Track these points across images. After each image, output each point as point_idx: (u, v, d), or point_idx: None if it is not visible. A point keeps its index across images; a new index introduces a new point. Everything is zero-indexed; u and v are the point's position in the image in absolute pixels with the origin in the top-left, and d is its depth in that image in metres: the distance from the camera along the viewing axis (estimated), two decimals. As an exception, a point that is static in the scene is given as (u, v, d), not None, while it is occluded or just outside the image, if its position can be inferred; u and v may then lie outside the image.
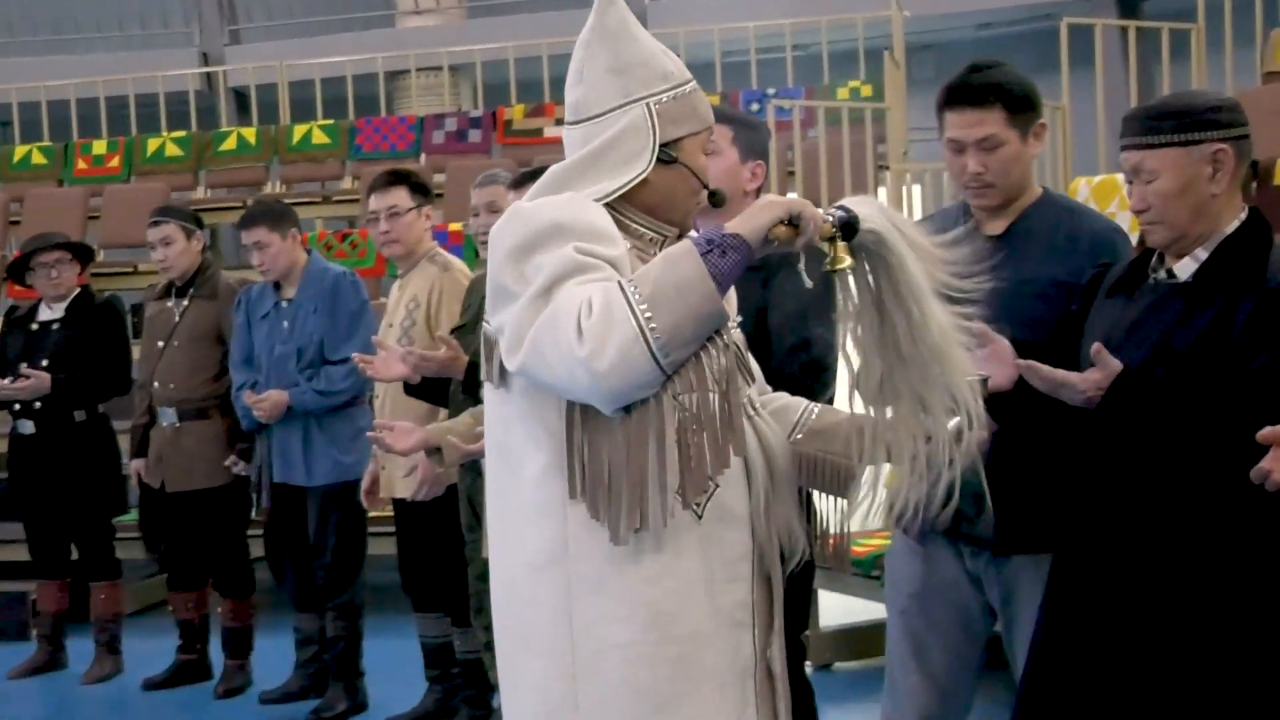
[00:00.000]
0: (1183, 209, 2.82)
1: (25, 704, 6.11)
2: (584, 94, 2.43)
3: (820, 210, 2.27)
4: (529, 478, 2.34)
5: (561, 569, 2.31)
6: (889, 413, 2.37)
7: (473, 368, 4.29)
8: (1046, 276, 3.13)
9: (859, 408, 2.44)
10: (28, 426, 6.21)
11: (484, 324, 2.43)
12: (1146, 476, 2.81)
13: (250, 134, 11.21)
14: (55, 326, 6.24)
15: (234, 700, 5.93)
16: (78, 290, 6.28)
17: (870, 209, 2.30)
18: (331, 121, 11.23)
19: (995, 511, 2.89)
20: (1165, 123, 2.82)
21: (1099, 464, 2.89)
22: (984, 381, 2.54)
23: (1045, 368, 2.80)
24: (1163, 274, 2.90)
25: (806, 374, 3.29)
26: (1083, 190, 7.35)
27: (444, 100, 12.31)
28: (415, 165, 10.25)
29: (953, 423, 2.41)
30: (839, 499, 2.54)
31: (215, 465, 5.85)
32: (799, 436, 2.52)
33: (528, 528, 2.35)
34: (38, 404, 6.13)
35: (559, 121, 10.79)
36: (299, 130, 11.11)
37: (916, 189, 9.42)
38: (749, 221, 2.23)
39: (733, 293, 2.48)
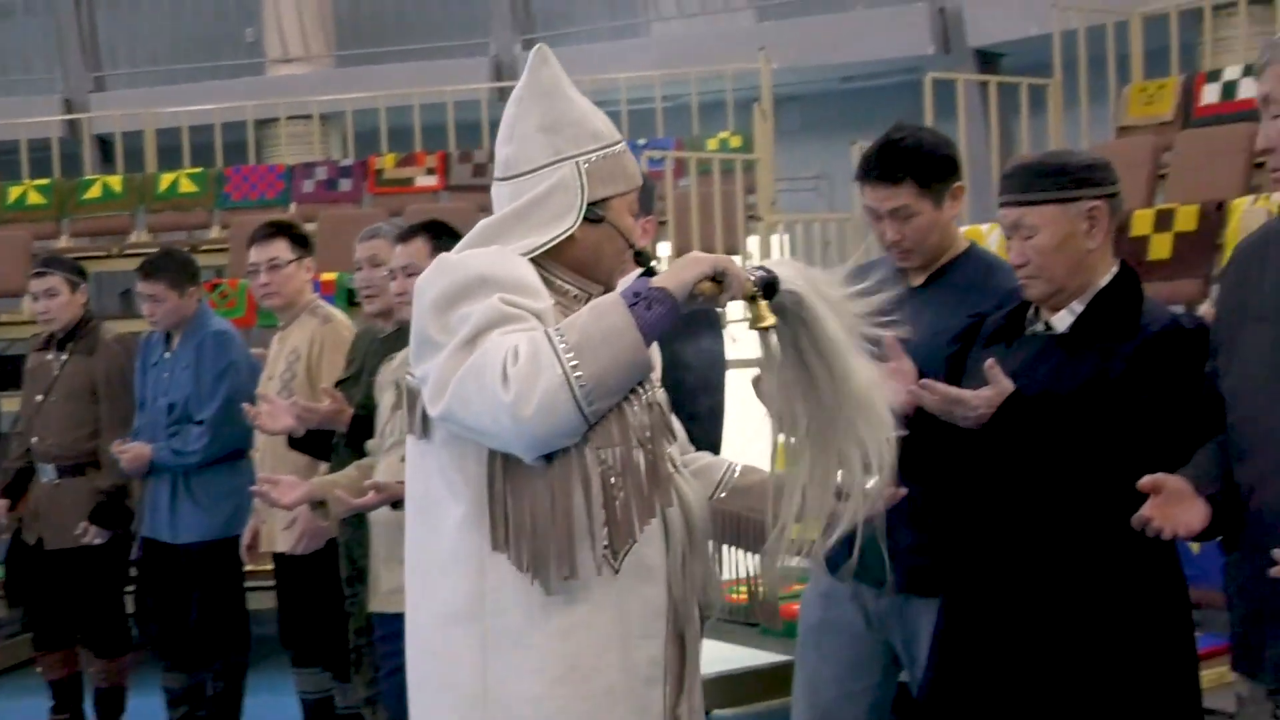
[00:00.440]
0: (1061, 263, 2.92)
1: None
2: (515, 151, 2.46)
3: (742, 270, 2.33)
4: (447, 530, 2.35)
5: (478, 622, 2.33)
6: (809, 466, 2.41)
7: (357, 420, 4.30)
8: (960, 326, 3.22)
9: (779, 462, 2.49)
10: None
11: (407, 376, 2.45)
12: (1031, 498, 2.89)
13: (115, 182, 11.08)
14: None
15: (106, 760, 5.83)
16: None
17: (790, 270, 2.36)
18: (199, 169, 11.13)
19: (891, 553, 2.97)
20: (1044, 180, 2.93)
21: (985, 489, 2.98)
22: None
23: (942, 385, 2.87)
24: (1040, 326, 3.00)
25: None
26: (948, 241, 7.53)
27: (314, 149, 12.22)
28: (285, 214, 10.20)
29: (871, 482, 2.48)
30: (762, 557, 2.58)
31: (100, 532, 5.74)
32: (723, 495, 2.57)
33: (444, 579, 2.36)
34: None
35: (430, 171, 10.85)
36: (166, 178, 11.00)
37: (786, 239, 9.57)
38: (675, 276, 2.28)
39: (657, 353, 2.53)
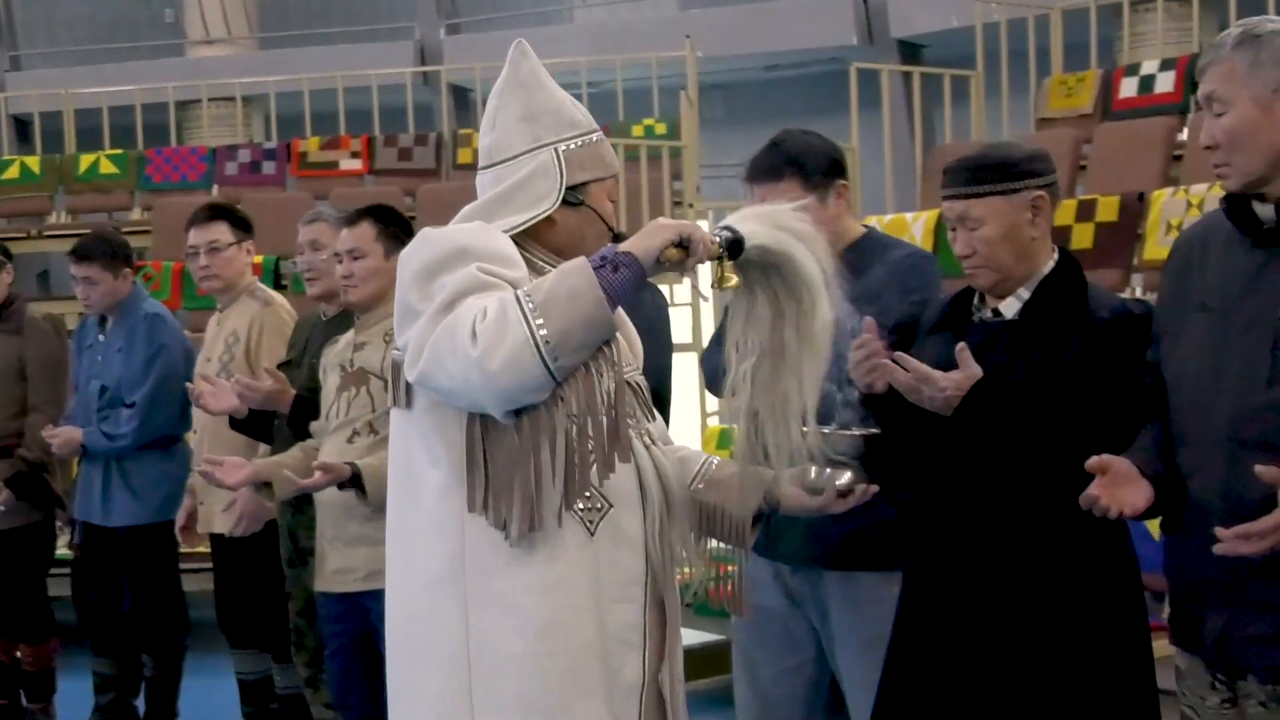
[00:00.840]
0: (1007, 253, 3.01)
1: None
2: (496, 139, 2.56)
3: (707, 232, 2.41)
4: (428, 496, 2.44)
5: (458, 584, 2.41)
6: (753, 399, 2.50)
7: (299, 402, 4.32)
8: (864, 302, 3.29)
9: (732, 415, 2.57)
10: None
11: (393, 350, 2.53)
12: (993, 482, 2.97)
13: (34, 163, 10.95)
14: None
15: (37, 744, 5.80)
16: None
17: (754, 223, 2.45)
18: (120, 151, 11.03)
19: (804, 528, 3.05)
20: (988, 173, 3.02)
21: (947, 473, 3.06)
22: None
23: (915, 361, 2.94)
24: (988, 313, 3.08)
25: None
26: (873, 229, 7.63)
27: (236, 131, 12.16)
28: (208, 196, 10.13)
29: (844, 478, 2.57)
30: (737, 547, 2.68)
31: (16, 505, 5.71)
32: (699, 486, 2.64)
33: (425, 545, 2.45)
34: None
35: (354, 154, 10.83)
36: (85, 159, 10.90)
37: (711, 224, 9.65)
38: (642, 242, 2.37)
39: (636, 336, 2.60)
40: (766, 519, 2.71)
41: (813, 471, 2.60)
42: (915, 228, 7.32)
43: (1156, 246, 6.48)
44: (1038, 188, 3.02)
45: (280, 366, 4.54)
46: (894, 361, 2.95)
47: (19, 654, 5.87)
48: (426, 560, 2.45)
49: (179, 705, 5.60)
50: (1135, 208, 6.70)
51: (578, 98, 2.69)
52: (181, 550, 5.67)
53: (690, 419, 7.14)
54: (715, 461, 2.71)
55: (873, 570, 3.43)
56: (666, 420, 3.37)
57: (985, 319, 3.08)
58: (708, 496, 2.65)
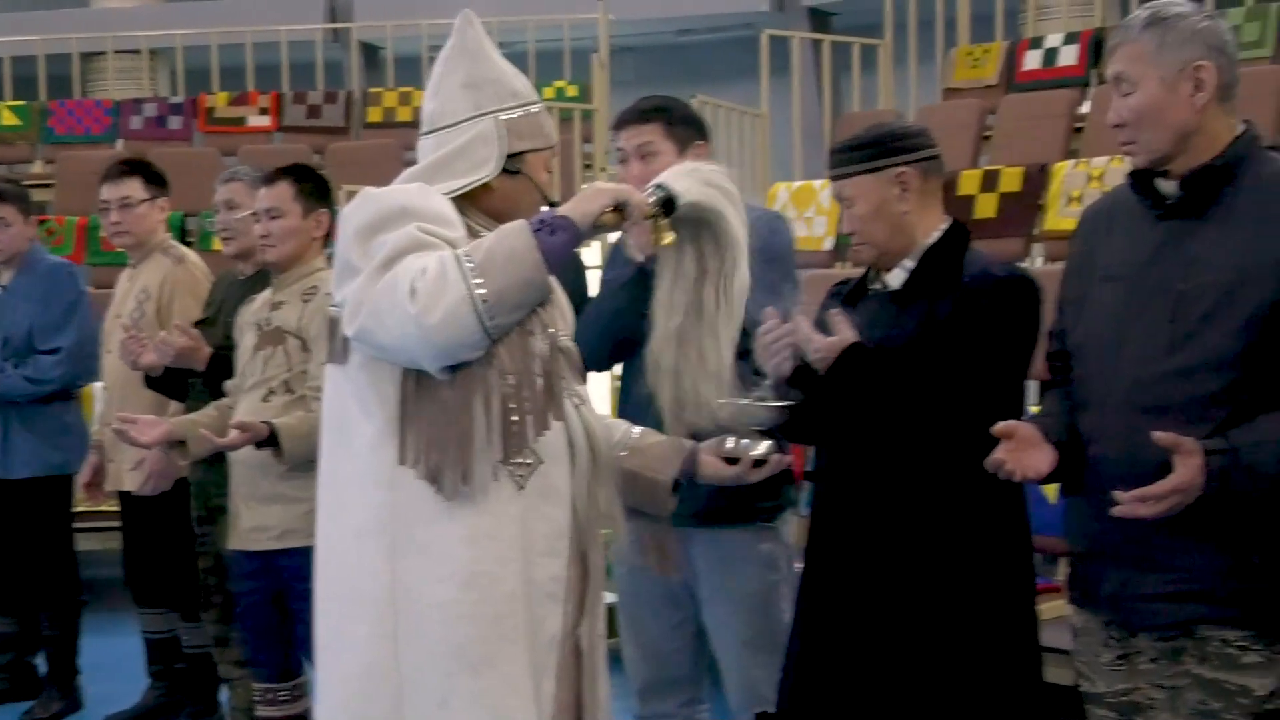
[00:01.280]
0: (880, 229, 3.14)
1: None
2: (439, 105, 2.61)
3: (641, 193, 2.49)
4: (360, 447, 2.48)
5: (388, 534, 2.46)
6: (675, 357, 2.59)
7: (215, 359, 4.33)
8: None
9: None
10: None
11: (329, 307, 2.58)
12: (874, 446, 3.09)
13: (-67, 113, 10.77)
14: None
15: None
16: None
17: (686, 181, 2.53)
18: (21, 102, 10.85)
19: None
20: (854, 154, 3.16)
21: (834, 438, 3.18)
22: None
23: (806, 326, 3.04)
24: (879, 285, 3.20)
25: None
26: (782, 195, 7.71)
27: (142, 85, 12.00)
28: (112, 151, 10.02)
29: (760, 448, 2.66)
30: (658, 511, 2.75)
31: None
32: (623, 453, 2.71)
33: (357, 495, 2.49)
34: None
35: (263, 111, 10.74)
36: (-14, 110, 10.74)
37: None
38: (579, 206, 2.43)
39: (568, 303, 2.65)
40: (685, 485, 2.77)
41: (730, 441, 2.68)
42: (823, 195, 7.40)
43: (1057, 217, 6.60)
44: (904, 164, 3.12)
45: (197, 324, 4.54)
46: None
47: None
48: (357, 510, 2.49)
49: (81, 664, 5.58)
50: (1037, 179, 6.82)
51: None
52: (87, 508, 5.64)
53: (601, 379, 7.19)
54: (638, 430, 2.78)
55: (741, 526, 3.54)
56: None
57: (876, 290, 3.20)
58: (628, 463, 2.71)
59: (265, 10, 11.83)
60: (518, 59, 11.47)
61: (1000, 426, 2.74)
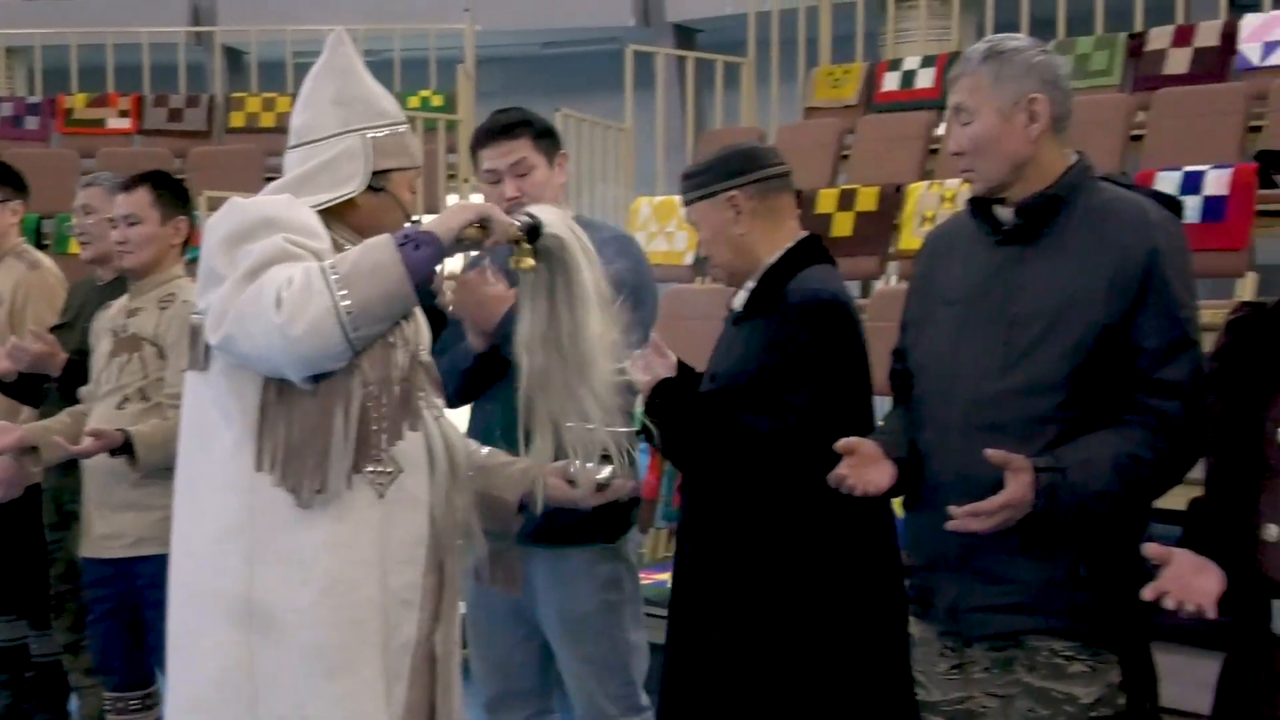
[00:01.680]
0: (722, 251, 3.25)
1: None
2: (308, 119, 2.66)
3: (508, 216, 2.53)
4: (220, 453, 2.50)
5: (245, 538, 2.48)
6: (550, 406, 2.63)
7: (71, 365, 4.30)
8: None
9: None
10: None
11: (191, 315, 2.60)
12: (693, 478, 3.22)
13: None
14: None
15: None
16: None
17: (553, 216, 2.58)
18: (-127, 98, 10.64)
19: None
20: (691, 181, 3.28)
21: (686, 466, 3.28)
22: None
23: (671, 356, 3.14)
24: (735, 304, 3.29)
25: None
26: (644, 210, 7.79)
27: (-2, 84, 11.80)
28: (-34, 150, 9.84)
29: (604, 472, 2.73)
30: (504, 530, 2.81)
31: None
32: (469, 474, 2.75)
33: (215, 499, 2.51)
34: None
35: (123, 113, 10.60)
36: None
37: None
38: (443, 222, 2.48)
39: (424, 320, 2.69)
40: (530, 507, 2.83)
41: (575, 464, 2.73)
42: (684, 210, 7.48)
43: (911, 237, 6.73)
44: (733, 188, 3.21)
45: (53, 330, 4.50)
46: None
47: None
48: (215, 515, 2.51)
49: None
50: (893, 198, 6.95)
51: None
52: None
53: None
54: (485, 450, 2.84)
55: (580, 547, 3.57)
56: None
57: (733, 309, 3.29)
58: (475, 483, 2.77)
59: (127, 11, 11.67)
60: (383, 67, 11.47)
61: (842, 443, 2.84)
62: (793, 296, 3.14)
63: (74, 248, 5.14)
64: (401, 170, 2.69)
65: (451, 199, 9.46)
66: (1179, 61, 7.67)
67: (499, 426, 3.26)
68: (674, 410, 3.10)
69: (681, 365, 3.22)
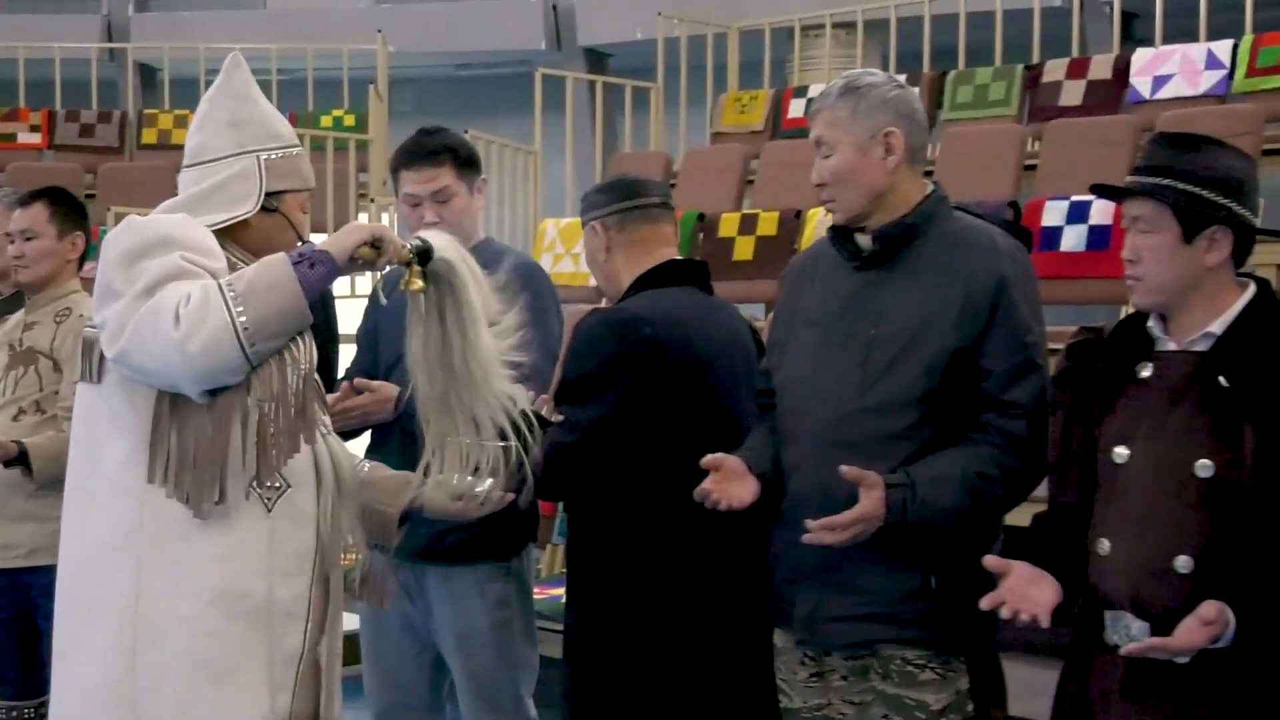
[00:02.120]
0: (597, 275, 3.49)
1: None
2: (203, 140, 2.74)
3: (400, 238, 2.62)
4: (112, 463, 2.58)
5: (134, 548, 2.55)
6: (443, 424, 2.72)
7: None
8: None
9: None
10: None
11: (86, 328, 2.66)
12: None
13: None
14: None
15: None
16: None
17: (444, 240, 2.68)
18: None
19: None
20: (581, 207, 3.45)
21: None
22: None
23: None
24: None
25: None
26: (550, 231, 7.88)
27: (-92, 97, 11.71)
28: (-127, 164, 9.79)
29: (483, 485, 2.81)
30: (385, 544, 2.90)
31: None
32: (354, 488, 2.82)
33: (103, 510, 2.58)
34: None
35: (34, 128, 10.58)
36: None
37: (396, 218, 9.75)
38: (337, 242, 2.57)
39: (312, 340, 2.76)
40: (414, 521, 2.93)
41: (455, 478, 2.80)
42: (588, 232, 7.58)
43: (810, 261, 6.85)
44: (595, 219, 3.39)
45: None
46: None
47: None
48: (105, 525, 2.58)
49: None
50: (793, 224, 7.05)
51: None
52: None
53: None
54: (368, 464, 2.94)
55: (472, 565, 3.61)
56: None
57: None
58: (360, 496, 2.84)
59: (39, 26, 11.67)
60: (296, 86, 11.52)
61: (708, 459, 2.96)
62: (595, 316, 3.30)
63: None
64: (294, 192, 2.77)
65: (363, 218, 9.53)
66: (1073, 93, 7.86)
67: (395, 438, 3.37)
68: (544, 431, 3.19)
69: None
